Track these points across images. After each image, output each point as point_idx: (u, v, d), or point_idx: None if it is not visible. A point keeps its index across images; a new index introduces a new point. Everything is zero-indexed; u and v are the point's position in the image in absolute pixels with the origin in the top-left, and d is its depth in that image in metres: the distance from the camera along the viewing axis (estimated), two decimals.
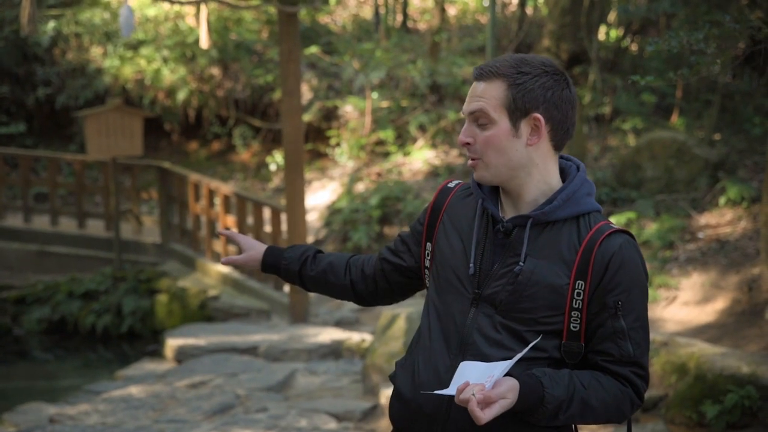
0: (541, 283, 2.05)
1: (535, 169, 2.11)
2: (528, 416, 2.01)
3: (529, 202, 2.12)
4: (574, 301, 2.05)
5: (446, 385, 2.04)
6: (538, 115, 2.08)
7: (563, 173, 2.17)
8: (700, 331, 7.22)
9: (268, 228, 9.52)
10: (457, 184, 2.28)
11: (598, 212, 2.14)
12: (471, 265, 2.11)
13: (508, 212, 2.15)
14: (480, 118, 2.08)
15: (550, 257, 2.07)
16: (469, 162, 2.13)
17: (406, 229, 2.42)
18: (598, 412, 2.06)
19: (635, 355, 2.07)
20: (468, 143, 2.10)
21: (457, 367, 2.04)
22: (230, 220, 9.70)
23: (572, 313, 2.05)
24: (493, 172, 2.11)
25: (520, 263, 2.06)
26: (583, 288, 2.05)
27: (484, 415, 1.91)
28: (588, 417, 2.05)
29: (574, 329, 2.06)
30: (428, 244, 2.26)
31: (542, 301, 2.05)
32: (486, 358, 2.06)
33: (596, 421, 2.08)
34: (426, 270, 2.27)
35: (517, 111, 2.07)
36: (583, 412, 2.04)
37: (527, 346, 2.04)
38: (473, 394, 1.91)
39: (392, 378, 2.26)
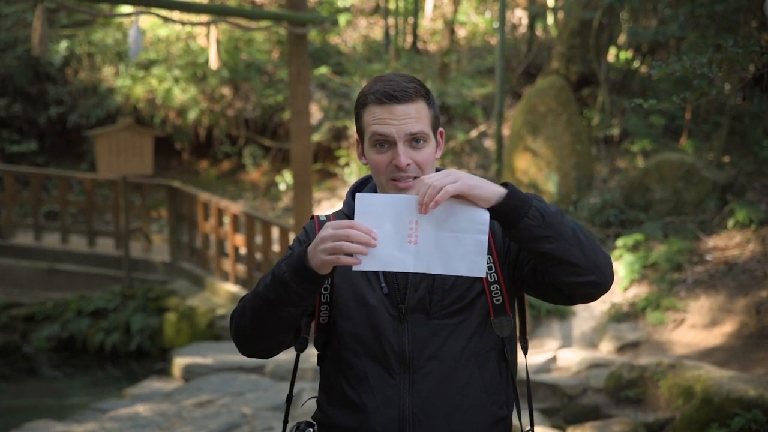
0: None
1: None
2: (517, 214, 1.94)
3: None
4: (489, 275, 2.13)
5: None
6: (442, 129, 2.20)
7: None
8: (708, 354, 7.20)
9: (276, 247, 9.55)
10: (328, 217, 2.29)
11: None
12: (383, 285, 2.14)
13: None
14: (420, 139, 2.11)
15: None
16: (401, 183, 2.10)
17: None
18: (586, 242, 1.98)
19: None
20: (409, 164, 2.10)
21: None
22: (239, 239, 9.74)
23: (491, 287, 2.14)
24: None
25: None
26: (492, 260, 2.14)
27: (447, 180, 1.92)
28: (575, 241, 1.97)
29: (497, 303, 2.14)
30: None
31: (463, 287, 2.12)
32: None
33: (583, 253, 1.97)
34: (324, 305, 2.22)
35: (436, 127, 2.17)
36: (575, 232, 1.98)
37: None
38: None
39: (322, 419, 2.21)
